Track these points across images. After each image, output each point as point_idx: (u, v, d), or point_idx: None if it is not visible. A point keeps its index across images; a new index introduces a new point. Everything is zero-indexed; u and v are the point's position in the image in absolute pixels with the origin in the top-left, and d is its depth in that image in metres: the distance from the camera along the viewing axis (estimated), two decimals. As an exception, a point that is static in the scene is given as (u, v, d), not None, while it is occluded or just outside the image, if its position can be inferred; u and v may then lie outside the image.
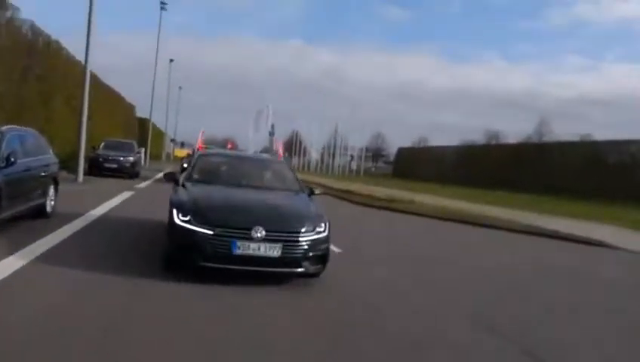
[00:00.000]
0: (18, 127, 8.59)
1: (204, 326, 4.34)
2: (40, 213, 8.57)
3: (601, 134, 61.87)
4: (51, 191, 9.05)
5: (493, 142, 68.76)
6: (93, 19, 18.38)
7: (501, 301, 6.47)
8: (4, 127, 7.71)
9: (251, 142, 36.23)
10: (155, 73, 43.53)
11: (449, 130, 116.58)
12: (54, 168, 9.46)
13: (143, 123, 45.06)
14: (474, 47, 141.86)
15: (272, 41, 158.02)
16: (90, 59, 18.53)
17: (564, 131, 74.55)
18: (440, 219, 15.59)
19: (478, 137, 74.96)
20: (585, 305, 6.74)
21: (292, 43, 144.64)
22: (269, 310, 5.01)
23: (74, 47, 21.82)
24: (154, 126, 50.07)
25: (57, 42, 19.85)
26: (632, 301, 7.35)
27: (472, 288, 7.02)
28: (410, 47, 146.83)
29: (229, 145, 24.09)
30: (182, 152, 55.44)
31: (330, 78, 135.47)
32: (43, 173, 8.74)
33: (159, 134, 61.22)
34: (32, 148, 8.49)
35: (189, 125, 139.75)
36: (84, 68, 18.52)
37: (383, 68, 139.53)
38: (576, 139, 53.01)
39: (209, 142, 23.22)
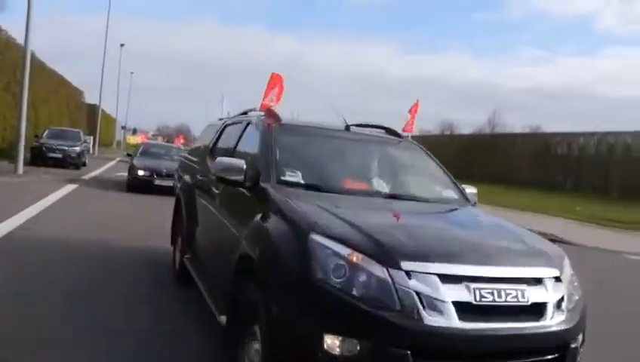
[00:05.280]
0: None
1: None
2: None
3: (550, 125, 63.78)
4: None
5: (448, 132, 70.02)
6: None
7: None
8: None
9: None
10: (104, 57, 42.18)
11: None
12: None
13: (93, 109, 43.50)
14: (433, 37, 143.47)
15: (231, 26, 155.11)
16: (31, 40, 17.39)
17: (516, 122, 76.69)
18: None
19: (433, 127, 76.25)
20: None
21: (252, 29, 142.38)
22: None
23: (17, 28, 20.62)
24: (104, 112, 48.43)
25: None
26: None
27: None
28: (369, 36, 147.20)
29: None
30: (134, 139, 52.71)
31: (289, 66, 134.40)
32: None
33: (110, 121, 59.24)
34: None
35: (141, 111, 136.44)
36: (24, 49, 17.42)
37: (341, 56, 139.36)
38: (526, 131, 54.53)
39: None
